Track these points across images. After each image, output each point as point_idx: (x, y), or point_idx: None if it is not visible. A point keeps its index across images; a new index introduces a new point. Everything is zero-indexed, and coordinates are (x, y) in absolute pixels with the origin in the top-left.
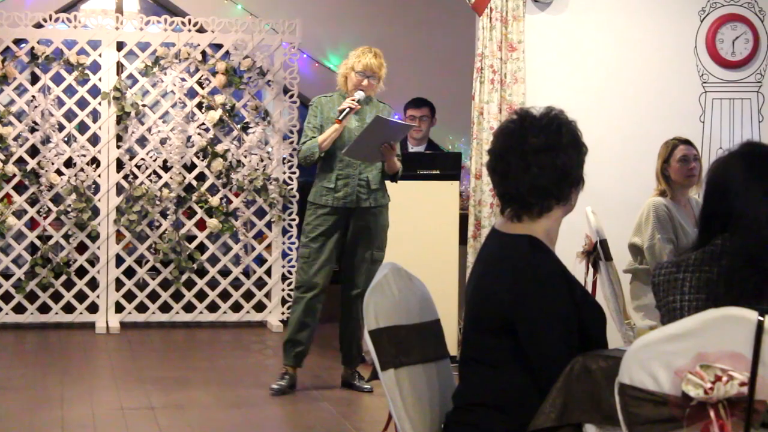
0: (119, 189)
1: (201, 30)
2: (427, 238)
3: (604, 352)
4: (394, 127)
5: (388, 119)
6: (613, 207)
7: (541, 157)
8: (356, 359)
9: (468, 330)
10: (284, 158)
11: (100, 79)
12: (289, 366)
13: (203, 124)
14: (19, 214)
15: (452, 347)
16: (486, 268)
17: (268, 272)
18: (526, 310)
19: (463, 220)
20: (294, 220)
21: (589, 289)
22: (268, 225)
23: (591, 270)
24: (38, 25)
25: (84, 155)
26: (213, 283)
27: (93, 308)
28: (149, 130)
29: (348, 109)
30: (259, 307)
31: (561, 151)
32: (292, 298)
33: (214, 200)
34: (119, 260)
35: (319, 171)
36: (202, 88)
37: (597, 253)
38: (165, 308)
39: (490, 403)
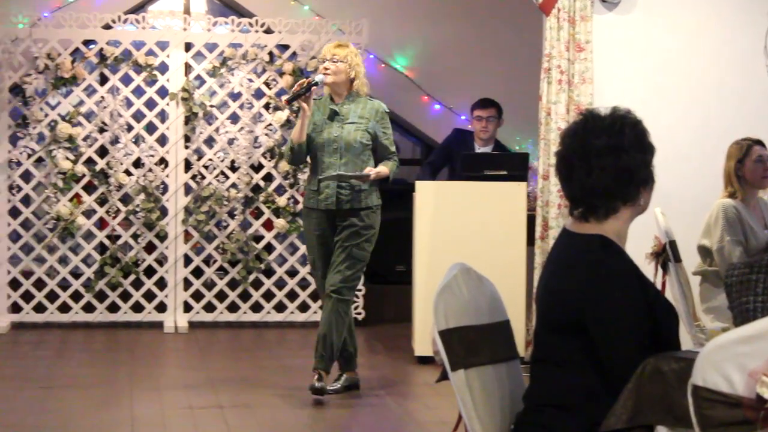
0: (187, 189)
1: (268, 31)
2: (494, 238)
3: (676, 353)
4: (354, 176)
5: (345, 174)
6: (682, 208)
7: (604, 158)
8: (328, 362)
9: (539, 330)
10: None
11: (168, 80)
12: (346, 371)
13: (270, 124)
14: (88, 213)
15: (520, 349)
16: (557, 267)
17: None
18: (598, 309)
19: (531, 220)
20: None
21: None
22: None
23: (660, 271)
24: (107, 27)
25: (152, 155)
26: (280, 283)
27: (161, 308)
28: (217, 130)
29: (302, 89)
30: None
31: (623, 152)
32: None
33: (282, 200)
34: (187, 260)
35: (308, 174)
36: (270, 89)
37: (666, 254)
38: (233, 308)
39: (560, 404)
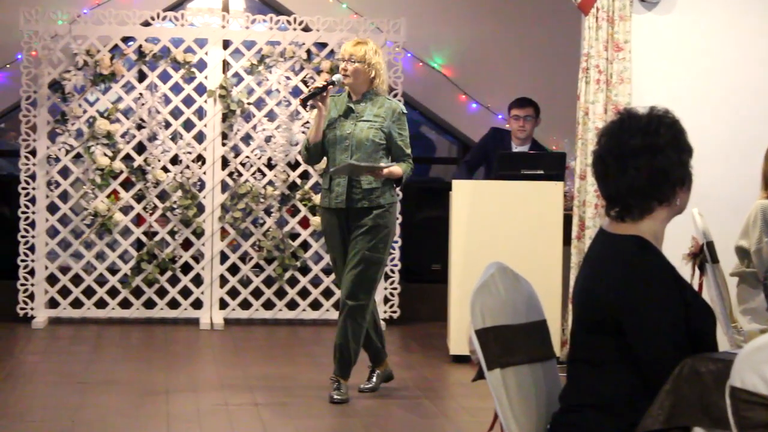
0: (224, 186)
1: (306, 29)
2: (530, 238)
3: (714, 354)
4: (366, 168)
5: (358, 164)
6: (718, 208)
7: (638, 158)
8: (346, 369)
9: (576, 330)
10: None
11: (206, 77)
12: (376, 366)
13: (308, 122)
14: (125, 210)
15: (556, 348)
16: (594, 268)
17: None
18: (635, 309)
19: (568, 220)
20: (397, 219)
21: None
22: None
23: (697, 272)
24: (146, 24)
25: (190, 152)
26: (316, 281)
27: (197, 304)
28: (254, 128)
29: (318, 89)
30: None
31: (658, 152)
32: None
33: (318, 198)
34: (223, 257)
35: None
36: (307, 87)
37: (704, 255)
38: (268, 305)
39: (596, 404)
